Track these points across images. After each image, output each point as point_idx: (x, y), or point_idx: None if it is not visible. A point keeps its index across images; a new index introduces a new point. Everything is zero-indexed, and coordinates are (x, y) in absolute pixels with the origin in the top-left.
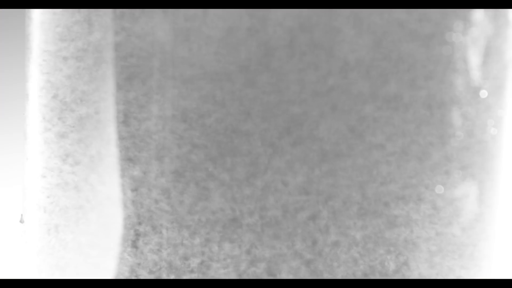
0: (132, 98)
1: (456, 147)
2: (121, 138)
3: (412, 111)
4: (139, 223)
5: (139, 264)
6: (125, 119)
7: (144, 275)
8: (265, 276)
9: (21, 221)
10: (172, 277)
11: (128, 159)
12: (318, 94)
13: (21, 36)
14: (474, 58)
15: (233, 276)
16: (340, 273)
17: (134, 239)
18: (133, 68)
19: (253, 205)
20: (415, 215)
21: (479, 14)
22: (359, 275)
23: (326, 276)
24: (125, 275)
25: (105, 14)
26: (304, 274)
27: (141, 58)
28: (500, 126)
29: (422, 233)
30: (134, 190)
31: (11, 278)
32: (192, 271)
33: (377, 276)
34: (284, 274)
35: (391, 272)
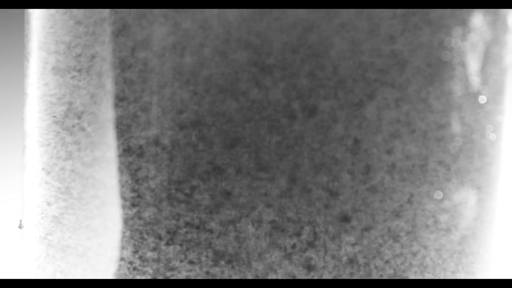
0: (131, 100)
1: (455, 153)
2: (120, 141)
3: (411, 116)
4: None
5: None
6: (123, 121)
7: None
8: None
9: (20, 227)
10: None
11: (126, 163)
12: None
13: (21, 37)
14: (473, 64)
15: None
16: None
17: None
18: (133, 74)
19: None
20: (413, 221)
21: (478, 20)
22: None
23: None
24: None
25: (106, 24)
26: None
27: (142, 65)
28: (499, 132)
29: (421, 238)
30: (134, 191)
31: (11, 278)
32: None
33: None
34: None
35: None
